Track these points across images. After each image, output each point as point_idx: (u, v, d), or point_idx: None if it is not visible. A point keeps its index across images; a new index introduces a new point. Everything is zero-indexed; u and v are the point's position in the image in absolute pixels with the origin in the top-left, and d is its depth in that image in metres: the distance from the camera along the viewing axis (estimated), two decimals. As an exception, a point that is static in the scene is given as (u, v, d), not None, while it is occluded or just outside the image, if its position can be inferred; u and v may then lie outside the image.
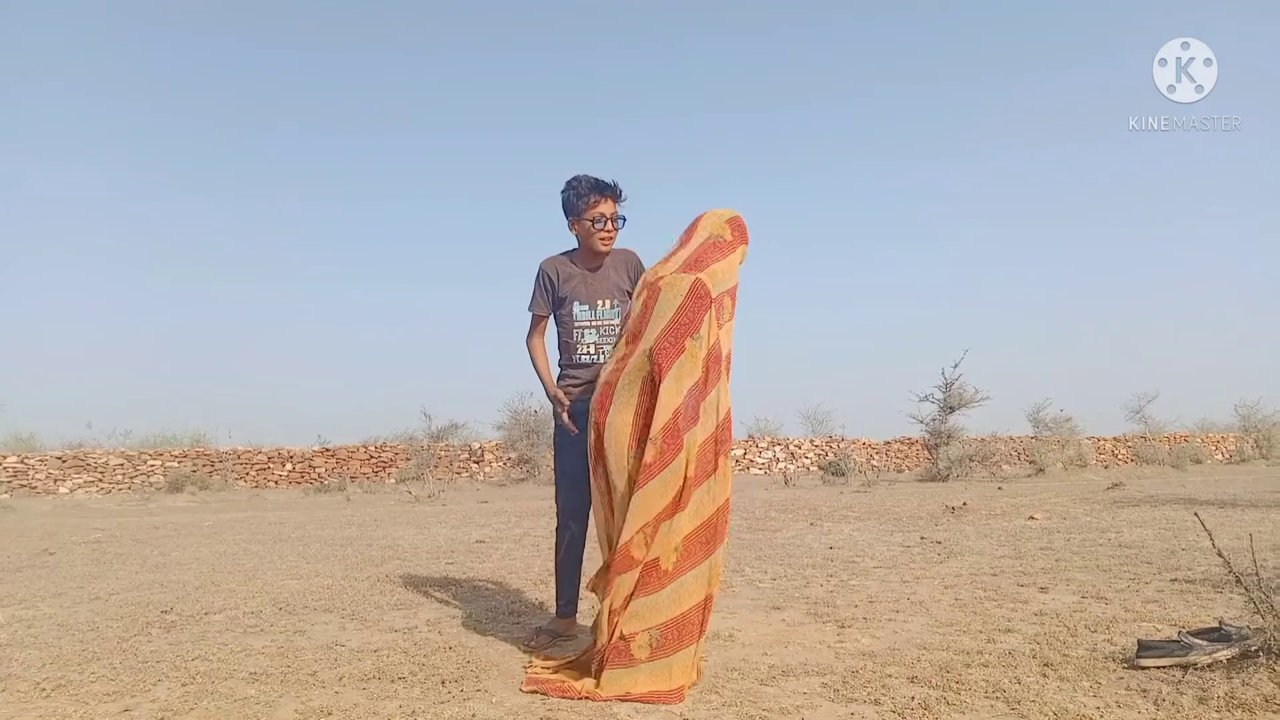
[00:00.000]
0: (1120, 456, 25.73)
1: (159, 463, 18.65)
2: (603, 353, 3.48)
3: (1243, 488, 11.32)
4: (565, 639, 3.50)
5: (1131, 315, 39.47)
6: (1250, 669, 2.52)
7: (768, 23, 38.39)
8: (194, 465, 18.59)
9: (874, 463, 23.97)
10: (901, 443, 25.31)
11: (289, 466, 19.92)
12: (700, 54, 40.03)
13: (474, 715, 2.48)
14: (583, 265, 3.57)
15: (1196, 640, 2.66)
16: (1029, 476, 17.48)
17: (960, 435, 18.25)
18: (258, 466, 19.67)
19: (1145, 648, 2.73)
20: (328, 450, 20.39)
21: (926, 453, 19.71)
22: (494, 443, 21.67)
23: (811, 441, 25.05)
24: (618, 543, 2.79)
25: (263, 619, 3.96)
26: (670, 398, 2.77)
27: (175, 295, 36.25)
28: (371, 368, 35.76)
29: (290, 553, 6.56)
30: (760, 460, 24.28)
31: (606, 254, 3.55)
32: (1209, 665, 2.58)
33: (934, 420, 18.20)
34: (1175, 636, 2.76)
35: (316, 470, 20.00)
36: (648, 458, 2.74)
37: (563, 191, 3.53)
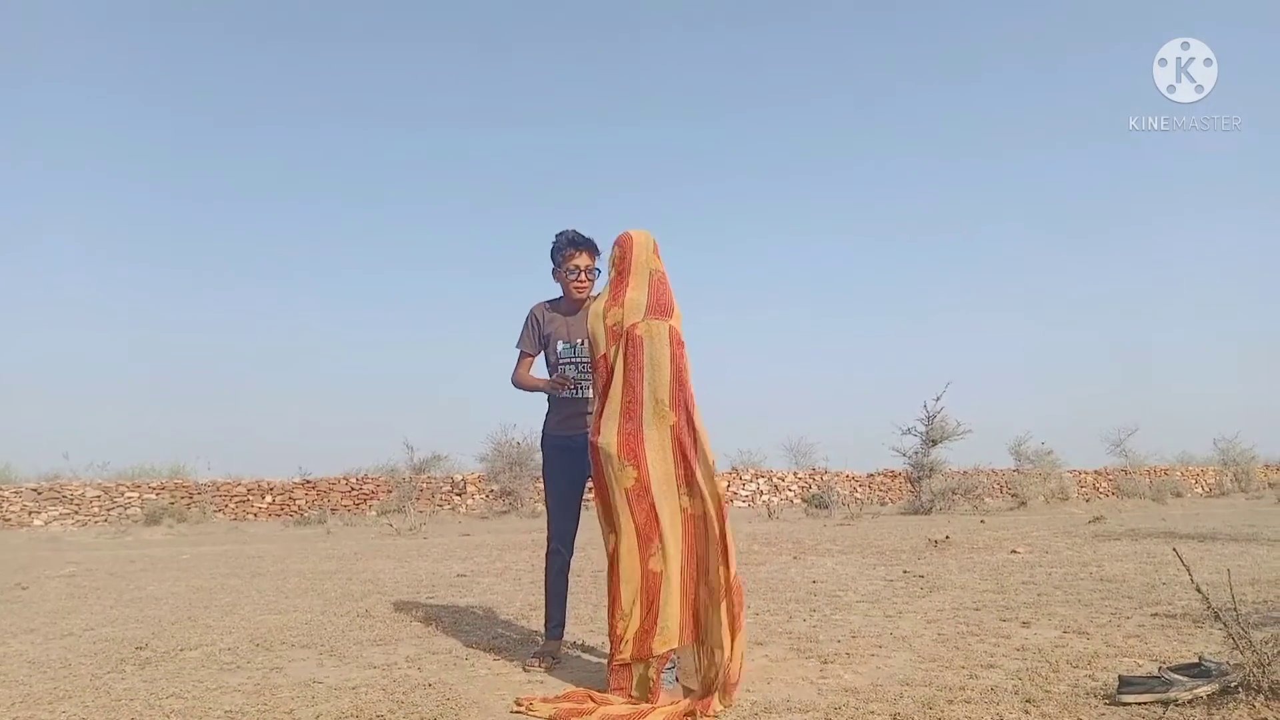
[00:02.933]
0: (1101, 489, 25.83)
1: (136, 495, 18.39)
2: (581, 387, 3.89)
3: (1222, 521, 11.40)
4: (556, 661, 3.67)
5: (1112, 349, 39.84)
6: (1229, 705, 2.53)
7: (741, 18, 38.36)
8: (172, 497, 18.35)
9: (857, 495, 23.97)
10: (885, 475, 25.32)
11: (269, 499, 19.70)
12: (678, 60, 40.07)
13: (453, 754, 2.44)
14: (565, 310, 4.01)
15: (1177, 676, 2.67)
16: (1011, 509, 17.52)
17: (942, 468, 18.29)
18: (237, 499, 19.44)
19: (1126, 684, 2.73)
20: (308, 482, 20.19)
21: (909, 485, 19.74)
22: (476, 475, 21.52)
23: (795, 474, 25.02)
24: (727, 573, 2.98)
25: (239, 656, 3.90)
26: (706, 439, 3.15)
27: (155, 324, 35.92)
28: (353, 398, 35.49)
29: (268, 587, 6.48)
30: (744, 493, 24.22)
31: (583, 300, 3.93)
32: (1189, 701, 2.59)
33: (916, 453, 18.24)
34: (1156, 672, 2.77)
35: (297, 502, 19.78)
36: (720, 489, 3.08)
37: (552, 243, 3.97)
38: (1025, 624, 4.16)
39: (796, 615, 4.67)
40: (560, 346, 3.95)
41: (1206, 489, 26.61)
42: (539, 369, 4.07)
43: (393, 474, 20.67)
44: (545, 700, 2.97)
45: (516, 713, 2.89)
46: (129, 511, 17.91)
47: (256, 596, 5.93)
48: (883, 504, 22.53)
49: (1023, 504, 18.45)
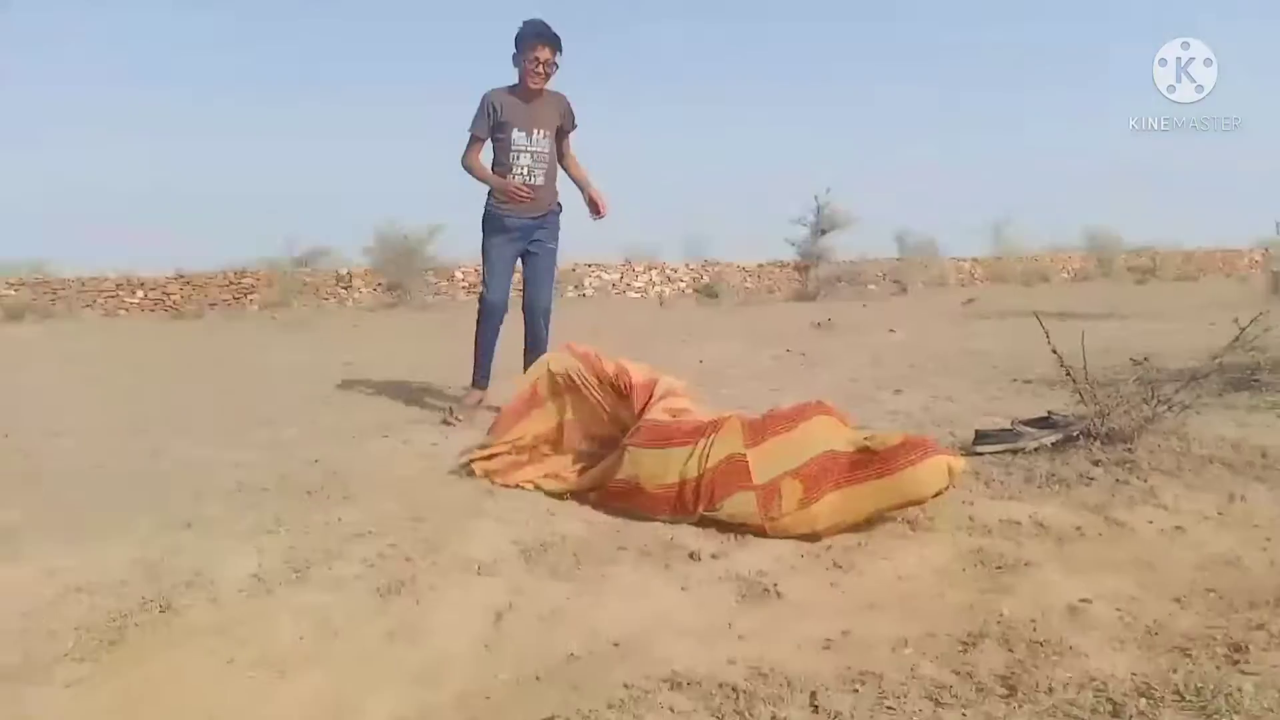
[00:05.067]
0: (977, 276, 27.10)
1: (-9, 292, 17.30)
2: (534, 174, 4.14)
3: (1084, 302, 12.15)
4: (476, 410, 4.10)
5: (994, 145, 40.72)
6: (1070, 451, 2.76)
7: None
8: (34, 293, 17.33)
9: (748, 285, 24.52)
10: (775, 265, 25.86)
11: (140, 294, 18.81)
12: None
13: (340, 520, 2.47)
14: (521, 98, 4.10)
15: (1027, 428, 2.88)
16: (894, 295, 18.28)
17: (830, 257, 18.76)
18: (106, 294, 18.47)
19: (982, 436, 2.94)
20: (183, 276, 19.30)
21: (798, 274, 20.25)
22: (363, 268, 20.98)
23: (688, 265, 25.28)
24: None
25: (117, 439, 3.80)
26: None
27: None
28: (231, 193, 33.61)
29: (145, 377, 6.28)
30: (637, 285, 24.43)
31: (537, 91, 4.08)
32: (1036, 450, 2.80)
33: (806, 243, 18.60)
34: (1008, 426, 2.98)
35: (172, 297, 18.98)
36: None
37: (518, 30, 4.02)
38: (898, 392, 4.39)
39: (683, 390, 4.81)
40: (515, 134, 4.07)
41: (1073, 274, 28.23)
42: (486, 153, 4.19)
43: (274, 267, 19.92)
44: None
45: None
46: (-14, 308, 16.89)
47: (133, 386, 5.74)
48: (772, 293, 23.15)
49: (904, 290, 19.25)
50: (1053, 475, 2.61)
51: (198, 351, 8.70)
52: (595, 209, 4.25)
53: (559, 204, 4.32)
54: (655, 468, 2.49)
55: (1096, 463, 2.68)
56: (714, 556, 2.16)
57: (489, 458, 2.96)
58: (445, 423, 3.92)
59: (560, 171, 4.33)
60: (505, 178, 4.12)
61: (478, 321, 4.30)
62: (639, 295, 23.70)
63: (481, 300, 4.30)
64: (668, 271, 24.79)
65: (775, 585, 1.98)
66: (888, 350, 6.44)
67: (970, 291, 18.18)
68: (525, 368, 4.02)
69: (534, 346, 4.24)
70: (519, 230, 4.18)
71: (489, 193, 4.20)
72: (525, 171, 4.13)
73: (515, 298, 4.31)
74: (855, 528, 2.27)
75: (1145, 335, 6.67)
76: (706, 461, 2.40)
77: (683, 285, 24.39)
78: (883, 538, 2.25)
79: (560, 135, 4.25)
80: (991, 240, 27.24)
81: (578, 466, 2.90)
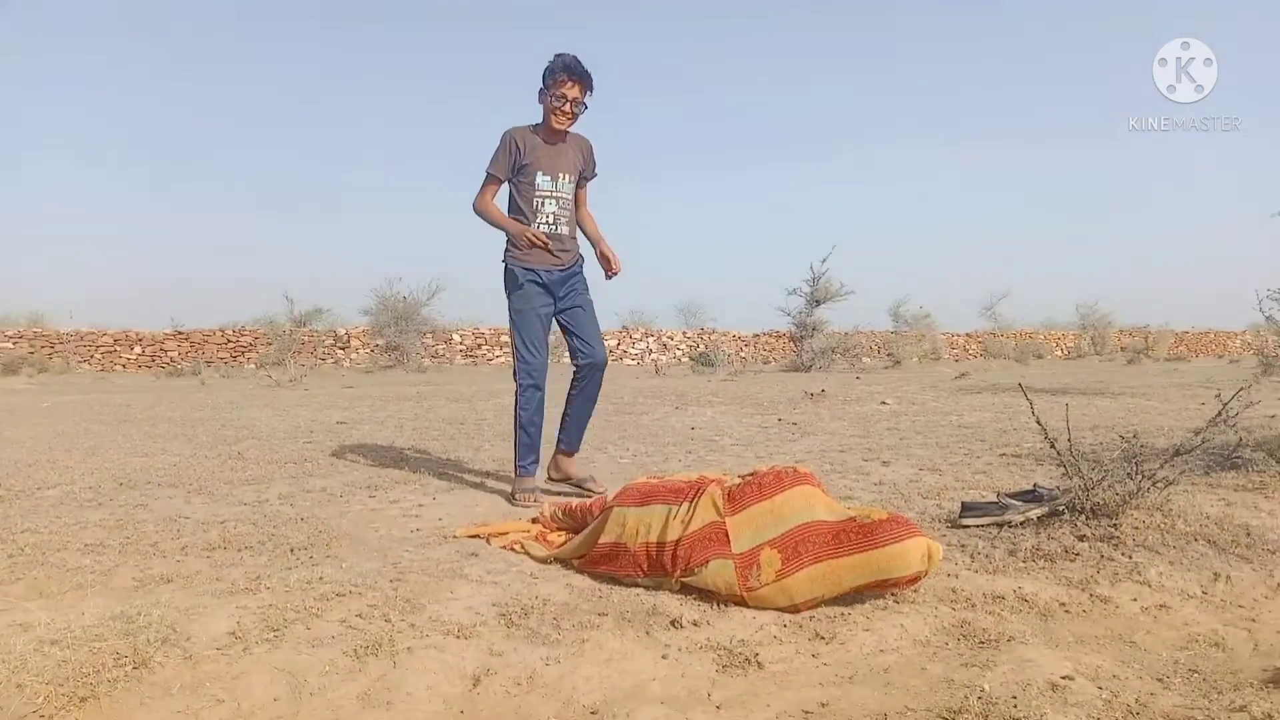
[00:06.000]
0: (971, 351, 27.28)
1: (-10, 344, 17.34)
2: (559, 223, 3.78)
3: (1074, 378, 12.22)
4: (535, 494, 3.65)
5: (988, 219, 41.38)
6: (1055, 524, 2.76)
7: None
8: (31, 347, 17.36)
9: (742, 354, 24.65)
10: (770, 335, 26.05)
11: (138, 350, 18.88)
12: None
13: (321, 578, 2.45)
14: (545, 139, 3.76)
15: (1012, 501, 2.88)
16: (887, 368, 18.36)
17: (825, 329, 18.92)
18: (103, 349, 18.56)
19: (967, 508, 2.94)
20: (181, 333, 19.39)
21: (792, 345, 20.38)
22: (361, 328, 21.10)
23: (684, 333, 25.48)
24: None
25: (101, 494, 3.78)
26: None
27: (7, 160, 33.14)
28: (231, 249, 33.95)
29: (136, 433, 6.27)
30: (633, 351, 24.57)
31: (562, 132, 3.75)
32: (1021, 523, 2.80)
33: (801, 313, 18.76)
34: (994, 498, 2.98)
35: (169, 354, 19.03)
36: None
37: (548, 64, 3.68)
38: (885, 463, 4.40)
39: (673, 456, 4.82)
40: (540, 178, 3.74)
41: (1066, 351, 28.43)
42: (502, 197, 3.85)
43: (272, 326, 20.03)
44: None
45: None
46: (-17, 361, 16.91)
47: (122, 441, 5.74)
48: (766, 362, 23.25)
49: (898, 363, 19.35)
50: (1037, 549, 2.61)
51: (191, 408, 8.69)
52: (608, 266, 3.90)
53: (581, 255, 3.94)
54: (637, 524, 2.49)
55: (1081, 537, 2.67)
56: (695, 624, 2.15)
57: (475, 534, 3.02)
58: (511, 503, 3.65)
59: None
60: (528, 224, 3.74)
61: (518, 396, 3.79)
62: (635, 362, 23.81)
63: (518, 373, 3.78)
64: (664, 339, 24.99)
65: (756, 655, 1.97)
66: (878, 421, 6.45)
67: (963, 366, 18.26)
68: (565, 430, 3.88)
69: (581, 421, 3.91)
70: (547, 286, 3.76)
71: (507, 247, 3.78)
72: (550, 219, 3.76)
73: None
74: (836, 600, 2.26)
75: (1134, 412, 6.70)
76: (687, 527, 2.40)
77: (679, 353, 24.54)
78: (866, 608, 2.24)
79: (580, 182, 3.91)
80: (985, 316, 27.63)
81: (563, 534, 2.91)
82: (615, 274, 3.93)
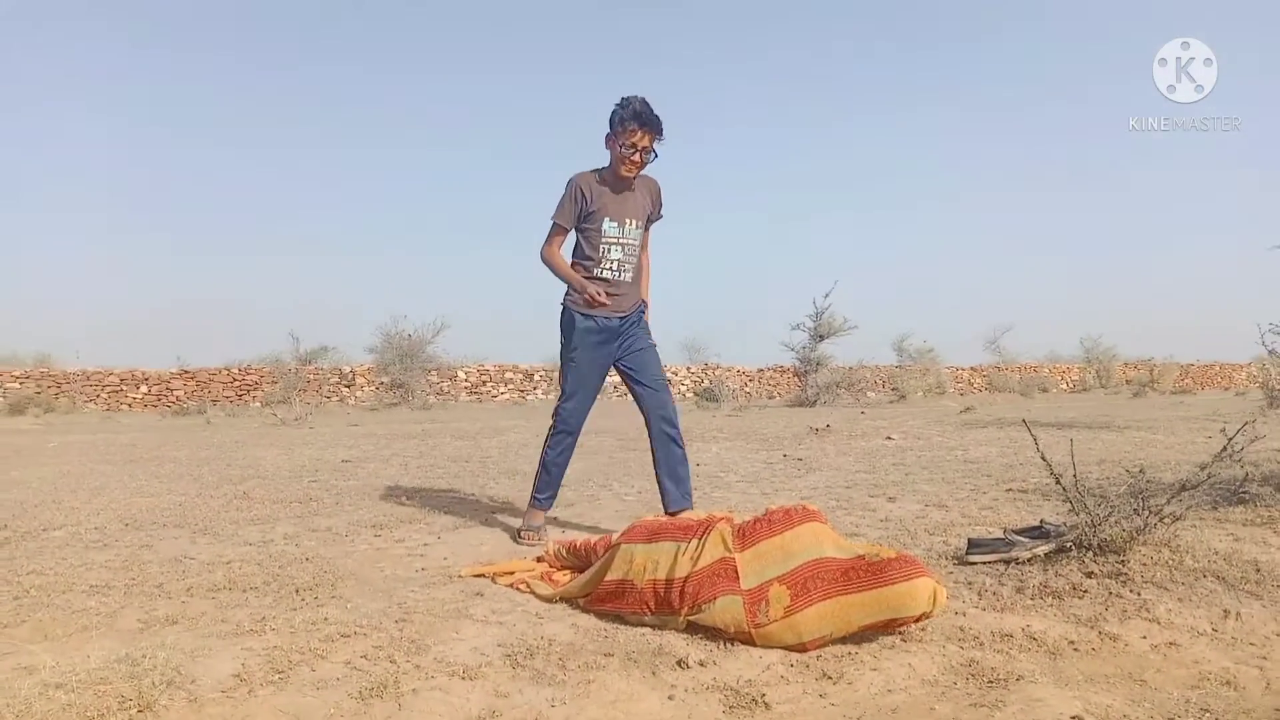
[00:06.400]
0: (976, 385, 27.25)
1: (-3, 384, 17.40)
2: (624, 270, 3.69)
3: (1080, 412, 12.19)
4: (543, 531, 3.69)
5: (991, 252, 41.59)
6: (1063, 561, 2.75)
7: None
8: (38, 387, 17.43)
9: (747, 390, 24.64)
10: (774, 370, 26.05)
11: (144, 389, 18.94)
12: None
13: (326, 619, 2.45)
14: (613, 184, 3.66)
15: (1019, 538, 2.87)
16: (891, 402, 18.33)
17: (829, 363, 18.93)
18: (109, 389, 18.62)
19: (974, 545, 2.93)
20: (187, 372, 19.46)
21: (797, 380, 20.37)
22: (366, 366, 21.15)
23: (689, 369, 25.49)
24: None
25: (107, 535, 3.79)
26: None
27: (17, 201, 33.57)
28: (239, 286, 34.21)
29: (141, 472, 6.27)
30: (637, 386, 24.54)
31: (630, 180, 3.66)
32: (1029, 560, 2.79)
33: (805, 348, 18.78)
34: (1001, 535, 2.97)
35: (175, 393, 19.09)
36: None
37: (616, 105, 3.58)
38: (891, 499, 4.38)
39: (678, 494, 4.80)
40: (607, 225, 3.64)
41: (1071, 385, 28.37)
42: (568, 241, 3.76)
43: (278, 364, 20.10)
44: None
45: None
46: (-10, 401, 16.96)
47: (128, 481, 5.74)
48: (771, 398, 23.23)
49: (902, 397, 19.32)
50: (1045, 586, 2.60)
51: (197, 447, 8.70)
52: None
53: (643, 300, 3.85)
54: (645, 561, 2.48)
55: (1089, 574, 2.66)
56: (702, 664, 2.14)
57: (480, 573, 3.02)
58: (516, 541, 3.63)
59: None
60: (591, 273, 3.67)
61: (549, 436, 3.75)
62: (639, 398, 23.77)
63: (557, 414, 3.74)
64: (669, 374, 25.01)
65: (763, 695, 1.95)
66: (884, 457, 6.44)
67: (968, 400, 18.22)
68: (666, 494, 3.71)
69: (675, 470, 3.75)
70: (607, 333, 3.68)
71: (567, 291, 3.72)
72: (615, 267, 3.68)
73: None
74: (843, 640, 2.25)
75: (1141, 446, 6.68)
76: (696, 563, 2.39)
77: (684, 389, 24.53)
78: (874, 647, 2.22)
79: (646, 225, 3.80)
80: (989, 349, 27.63)
81: (569, 572, 2.91)
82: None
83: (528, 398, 23.81)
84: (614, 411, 15.10)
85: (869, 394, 20.26)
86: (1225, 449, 2.87)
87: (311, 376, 20.30)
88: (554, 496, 3.80)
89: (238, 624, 2.43)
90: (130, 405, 18.58)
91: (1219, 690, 1.98)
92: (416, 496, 4.87)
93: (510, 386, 23.96)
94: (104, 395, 18.46)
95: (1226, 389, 29.13)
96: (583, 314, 3.66)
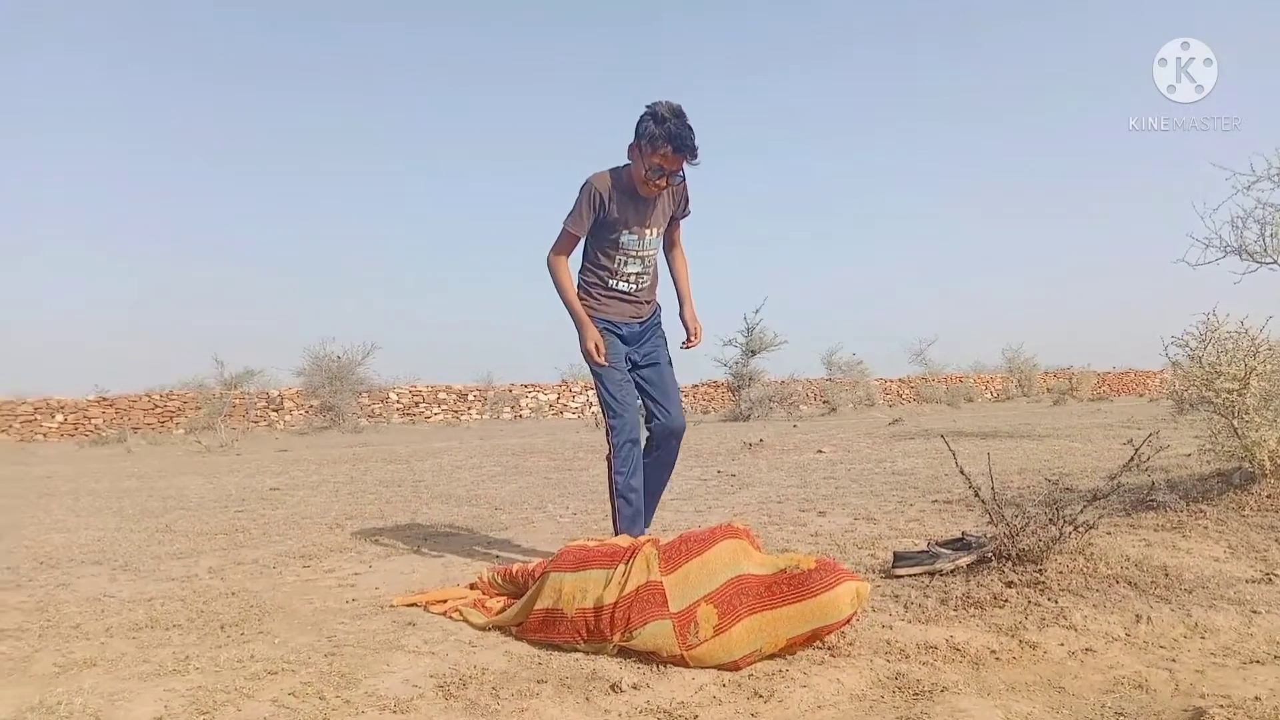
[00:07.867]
0: (904, 396, 27.86)
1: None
2: (641, 283, 3.49)
3: (1002, 421, 12.55)
4: None
5: (917, 269, 42.71)
6: (984, 571, 2.83)
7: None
8: (-58, 418, 16.65)
9: (683, 405, 24.72)
10: (709, 385, 26.27)
11: (60, 418, 18.24)
12: None
13: (253, 656, 2.40)
14: (633, 190, 3.37)
15: (943, 550, 2.95)
16: (823, 415, 18.62)
17: (761, 378, 19.14)
18: (22, 419, 17.89)
19: (900, 559, 3.00)
20: (105, 400, 18.81)
21: (731, 395, 20.55)
22: (294, 389, 20.70)
23: (623, 386, 25.49)
24: None
25: (20, 574, 3.65)
26: None
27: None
28: (157, 309, 33.21)
29: (57, 507, 6.05)
30: (574, 405, 24.54)
31: (651, 197, 3.40)
32: (952, 571, 2.87)
33: (737, 363, 18.96)
34: (926, 547, 3.05)
35: (93, 421, 18.43)
36: None
37: (646, 114, 3.24)
38: (821, 513, 4.46)
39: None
40: (626, 237, 3.39)
41: (995, 394, 29.18)
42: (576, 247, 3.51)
43: (201, 389, 19.55)
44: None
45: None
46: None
47: (43, 517, 5.53)
48: (706, 412, 23.41)
49: (834, 410, 19.64)
50: (967, 597, 2.67)
51: (117, 478, 8.42)
52: (688, 334, 3.67)
53: (659, 304, 3.65)
54: (574, 589, 2.49)
55: (1009, 584, 2.75)
56: (635, 687, 2.15)
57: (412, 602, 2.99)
58: None
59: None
60: (606, 284, 3.46)
61: (613, 457, 3.37)
62: (575, 415, 23.76)
63: (612, 430, 3.37)
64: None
65: (696, 716, 1.97)
66: (815, 471, 6.55)
67: (897, 411, 18.62)
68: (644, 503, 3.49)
69: (657, 476, 3.58)
70: (625, 339, 3.49)
71: (582, 296, 3.47)
72: (633, 279, 3.47)
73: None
74: (773, 656, 2.29)
75: (1060, 454, 6.91)
76: (623, 589, 2.41)
77: (618, 406, 24.55)
78: (803, 664, 2.26)
79: (671, 223, 3.57)
80: (916, 361, 28.30)
81: (502, 599, 2.89)
82: (693, 345, 3.67)
83: (461, 418, 23.59)
84: (545, 430, 15.05)
85: (801, 407, 20.55)
86: (1132, 459, 3.00)
87: (238, 401, 19.80)
88: (648, 526, 3.51)
89: (160, 664, 2.36)
90: (45, 435, 17.88)
91: (1132, 693, 2.07)
92: (347, 524, 4.79)
93: (444, 407, 23.69)
94: (17, 425, 17.73)
95: (1141, 395, 30.29)
96: (601, 320, 3.45)
